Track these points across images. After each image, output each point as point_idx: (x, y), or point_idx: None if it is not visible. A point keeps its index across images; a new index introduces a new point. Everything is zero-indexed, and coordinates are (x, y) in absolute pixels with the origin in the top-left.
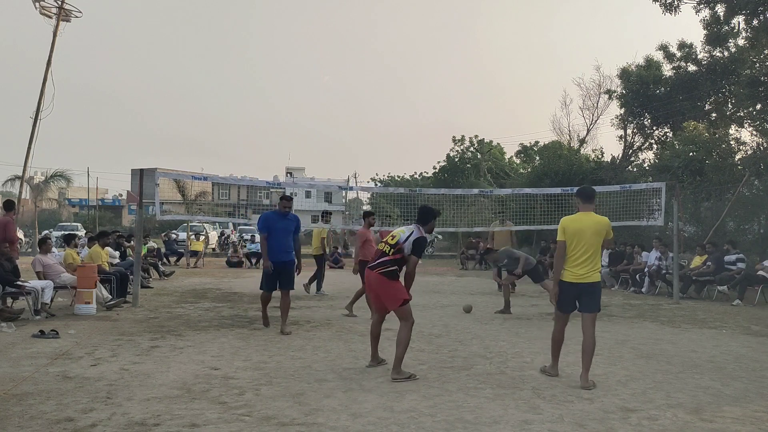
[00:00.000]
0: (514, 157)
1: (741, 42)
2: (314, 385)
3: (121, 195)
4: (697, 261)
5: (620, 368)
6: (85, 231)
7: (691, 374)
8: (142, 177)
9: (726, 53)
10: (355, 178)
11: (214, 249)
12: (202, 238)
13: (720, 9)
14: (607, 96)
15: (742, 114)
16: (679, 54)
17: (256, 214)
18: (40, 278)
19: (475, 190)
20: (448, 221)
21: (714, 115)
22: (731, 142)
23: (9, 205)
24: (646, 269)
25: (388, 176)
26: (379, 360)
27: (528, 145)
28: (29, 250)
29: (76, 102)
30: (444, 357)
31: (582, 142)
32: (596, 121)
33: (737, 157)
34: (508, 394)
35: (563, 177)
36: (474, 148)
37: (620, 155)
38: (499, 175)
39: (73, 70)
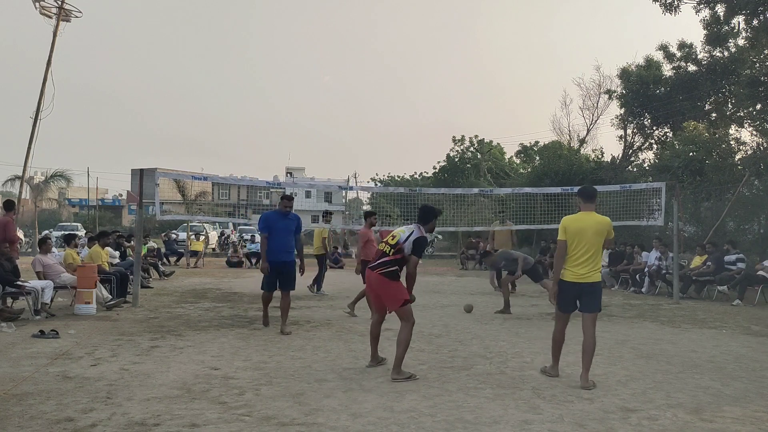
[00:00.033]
0: (514, 157)
1: (741, 42)
2: (314, 385)
3: (121, 195)
4: (697, 261)
5: (620, 368)
6: (85, 231)
7: (691, 374)
8: (142, 177)
9: (726, 53)
10: (355, 178)
11: (214, 249)
12: (202, 238)
13: (720, 9)
14: (607, 96)
15: (742, 114)
16: (679, 54)
17: (256, 214)
18: (40, 278)
19: (475, 190)
20: (448, 221)
21: (714, 115)
22: (731, 142)
23: (9, 205)
24: (646, 269)
25: (388, 176)
26: (379, 360)
27: (528, 145)
28: (29, 250)
29: (76, 102)
30: (444, 357)
31: (582, 142)
32: (596, 121)
33: (737, 157)
34: (508, 394)
35: (563, 177)
36: (474, 148)
37: (620, 155)
38: (499, 175)
39: (73, 70)
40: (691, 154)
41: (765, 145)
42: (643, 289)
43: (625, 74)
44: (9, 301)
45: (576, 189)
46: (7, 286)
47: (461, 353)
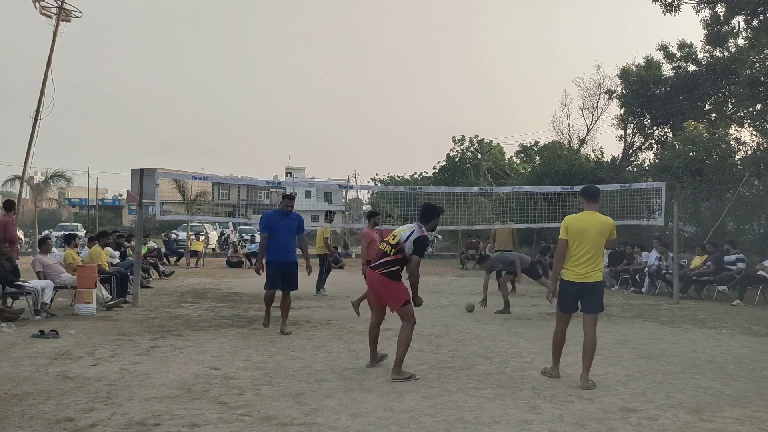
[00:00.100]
0: (514, 157)
1: (741, 42)
2: (314, 385)
3: (121, 195)
4: (697, 261)
5: (620, 368)
6: (85, 231)
7: (691, 374)
8: (142, 177)
9: (726, 53)
10: (355, 178)
11: (214, 249)
12: (202, 238)
13: (720, 9)
14: (607, 96)
15: (742, 114)
16: (679, 54)
17: (256, 214)
18: (40, 278)
19: (475, 188)
20: (448, 220)
21: (714, 115)
22: (731, 142)
23: (9, 205)
24: (646, 269)
25: (388, 176)
26: (380, 358)
27: (528, 145)
28: (29, 250)
29: (76, 102)
30: (444, 357)
31: (582, 142)
32: (596, 121)
33: (737, 157)
34: (508, 394)
35: (563, 177)
36: (474, 148)
37: (620, 155)
38: (499, 175)
39: (73, 70)
40: (691, 154)
41: (765, 145)
42: (643, 289)
43: (625, 74)
44: (9, 301)
45: (576, 188)
46: (7, 286)
47: (461, 353)
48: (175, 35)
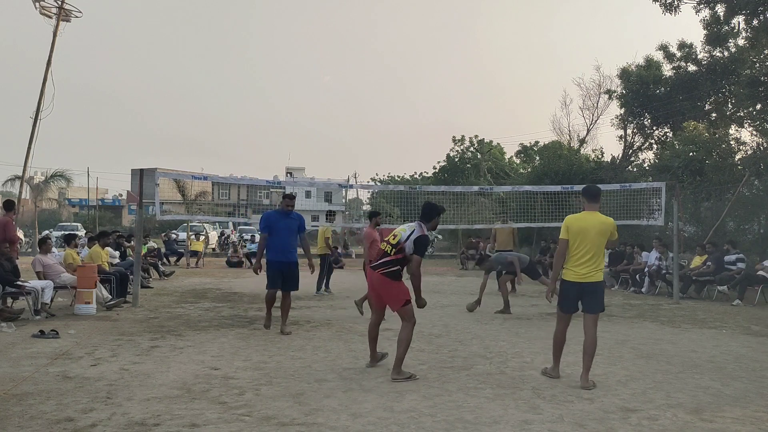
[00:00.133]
0: (514, 157)
1: (741, 42)
2: (314, 385)
3: (121, 195)
4: (697, 261)
5: (620, 368)
6: (85, 231)
7: (691, 374)
8: (142, 177)
9: (726, 53)
10: (355, 178)
11: (214, 249)
12: (202, 238)
13: (720, 9)
14: (607, 96)
15: (742, 114)
16: (679, 54)
17: (256, 214)
18: (40, 278)
19: (475, 188)
20: (449, 219)
21: (714, 115)
22: (731, 142)
23: (9, 205)
24: (646, 269)
25: (388, 176)
26: (380, 357)
27: (528, 145)
28: (29, 250)
29: (76, 102)
30: (444, 357)
31: (582, 142)
32: (596, 121)
33: (737, 157)
34: (508, 394)
35: (563, 177)
36: (474, 148)
37: (620, 155)
38: (499, 175)
39: (73, 70)
40: (691, 154)
41: (765, 145)
42: (643, 289)
43: (625, 74)
44: (9, 301)
45: (576, 187)
46: (7, 286)
47: (461, 353)
48: (175, 35)
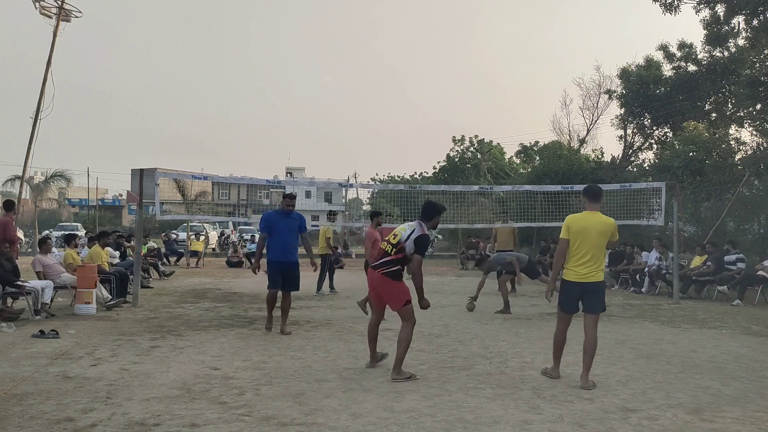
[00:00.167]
0: (514, 157)
1: (741, 42)
2: (314, 385)
3: (121, 195)
4: (697, 261)
5: (620, 368)
6: (85, 231)
7: (691, 374)
8: (142, 177)
9: (726, 53)
10: (356, 178)
11: (214, 249)
12: (202, 238)
13: (720, 9)
14: (607, 96)
15: (742, 114)
16: (679, 54)
17: (256, 214)
18: (40, 278)
19: (475, 187)
20: (449, 219)
21: (714, 115)
22: (731, 142)
23: (9, 205)
24: (646, 269)
25: (388, 176)
26: (380, 357)
27: (528, 145)
28: (29, 250)
29: (76, 102)
30: (444, 357)
31: (582, 142)
32: (596, 121)
33: (737, 157)
34: (508, 394)
35: (563, 177)
36: (474, 148)
37: (620, 155)
38: (499, 175)
39: (73, 70)
40: (691, 154)
41: (765, 145)
42: (643, 289)
43: (625, 74)
44: (9, 301)
45: (576, 187)
46: (7, 286)
47: (461, 353)
48: (175, 35)
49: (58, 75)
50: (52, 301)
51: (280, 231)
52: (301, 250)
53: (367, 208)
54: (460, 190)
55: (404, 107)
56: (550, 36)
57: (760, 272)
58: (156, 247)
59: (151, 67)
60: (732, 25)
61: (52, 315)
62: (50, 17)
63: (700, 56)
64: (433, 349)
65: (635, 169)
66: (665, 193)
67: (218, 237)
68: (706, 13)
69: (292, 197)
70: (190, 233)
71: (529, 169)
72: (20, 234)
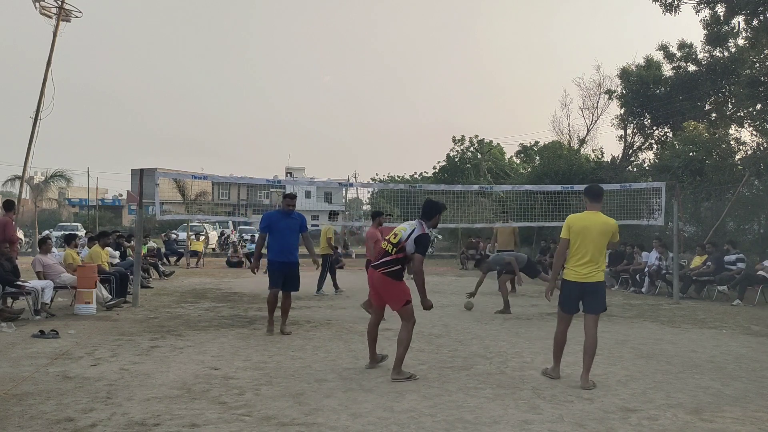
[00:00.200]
0: (514, 157)
1: (741, 42)
2: (314, 385)
3: (121, 195)
4: (697, 261)
5: (620, 368)
6: (85, 231)
7: (691, 374)
8: (142, 177)
9: (726, 53)
10: (356, 178)
11: (214, 249)
12: (202, 238)
13: (720, 9)
14: (607, 96)
15: (742, 114)
16: (679, 54)
17: (256, 214)
18: (40, 278)
19: (475, 187)
20: (449, 219)
21: (714, 115)
22: (731, 142)
23: (9, 205)
24: (646, 269)
25: (388, 176)
26: (379, 358)
27: (528, 145)
28: (29, 250)
29: (76, 102)
30: (444, 357)
31: (582, 142)
32: (596, 121)
33: (737, 157)
34: (508, 394)
35: (563, 177)
36: (474, 148)
37: (620, 155)
38: (499, 175)
39: (73, 70)
40: (691, 154)
41: (765, 145)
42: (643, 289)
43: (625, 74)
44: (9, 301)
45: (576, 187)
46: (7, 286)
47: (461, 353)
48: (175, 35)
49: (58, 75)
50: (52, 301)
51: (280, 231)
52: (302, 250)
53: (367, 208)
54: (460, 190)
55: (404, 107)
56: (550, 36)
57: (760, 272)
58: (156, 247)
59: (151, 67)
60: (732, 25)
61: (52, 315)
62: (50, 17)
63: (700, 56)
64: (433, 349)
65: (635, 169)
66: (665, 193)
67: (218, 237)
68: (706, 13)
69: (292, 197)
70: (190, 233)
71: (529, 169)
72: (20, 234)
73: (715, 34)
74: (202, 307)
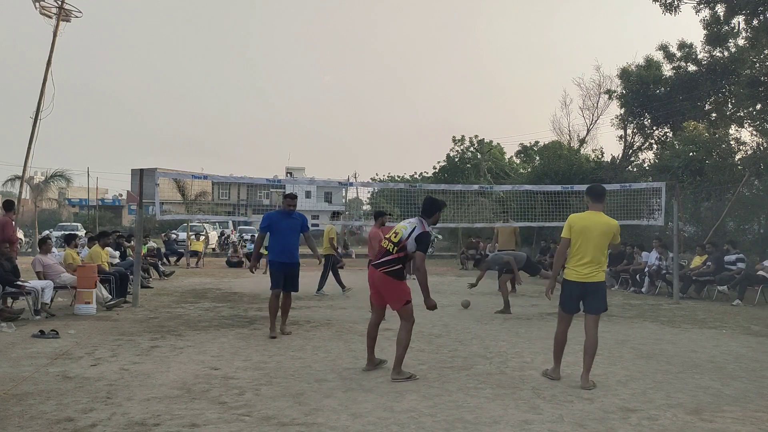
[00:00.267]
0: (514, 157)
1: (741, 42)
2: (314, 385)
3: (121, 195)
4: (697, 261)
5: (620, 368)
6: (85, 231)
7: (691, 374)
8: (142, 177)
9: (726, 53)
10: (356, 178)
11: (214, 249)
12: (202, 238)
13: (720, 9)
14: (607, 96)
15: (742, 114)
16: (679, 54)
17: (256, 213)
18: (40, 278)
19: (475, 186)
20: (449, 218)
21: (714, 115)
22: (731, 142)
23: (9, 205)
24: (646, 269)
25: (388, 176)
26: (377, 362)
27: (528, 145)
28: (29, 250)
29: (76, 102)
30: (444, 357)
31: (582, 142)
32: (596, 121)
33: (737, 157)
34: (508, 394)
35: (563, 177)
36: (474, 148)
37: (620, 155)
38: (499, 175)
39: (73, 70)
40: (691, 154)
41: (765, 145)
42: (643, 289)
43: (625, 74)
44: (9, 301)
45: (576, 187)
46: (7, 286)
47: (461, 353)
48: (175, 35)
49: (58, 75)
50: (52, 301)
51: (281, 231)
52: (303, 251)
53: (367, 208)
54: (460, 190)
55: (404, 107)
56: (550, 36)
57: (760, 272)
58: (156, 247)
59: (151, 67)
60: (732, 25)
61: (52, 315)
62: (50, 17)
63: (700, 56)
64: (433, 349)
65: (635, 169)
66: (665, 193)
67: (218, 237)
68: (706, 13)
69: (293, 197)
70: (190, 233)
71: (529, 169)
72: (20, 234)
73: (715, 34)
74: (202, 307)
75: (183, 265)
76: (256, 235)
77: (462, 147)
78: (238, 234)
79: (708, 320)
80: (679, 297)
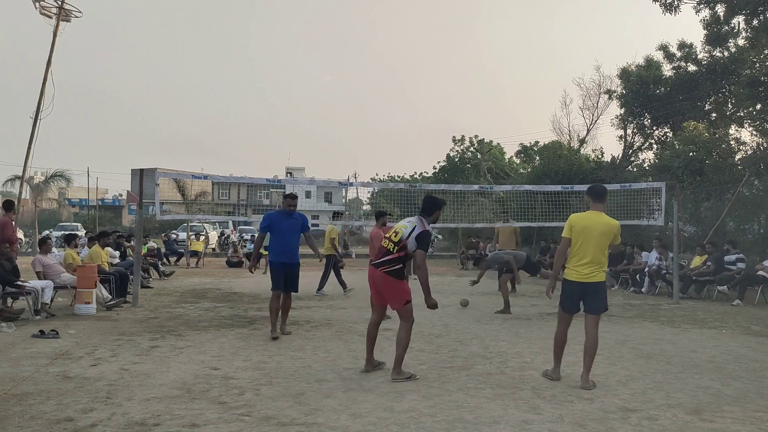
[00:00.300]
0: (514, 157)
1: (741, 42)
2: (314, 385)
3: (121, 195)
4: (697, 261)
5: (620, 368)
6: (85, 231)
7: (691, 374)
8: (142, 177)
9: (726, 53)
10: (356, 178)
11: (214, 249)
12: (202, 238)
13: (720, 9)
14: (607, 96)
15: (742, 114)
16: (679, 54)
17: (256, 213)
18: (40, 278)
19: (475, 186)
20: (449, 218)
21: (714, 115)
22: (731, 142)
23: (9, 205)
24: (646, 269)
25: (388, 176)
26: (376, 364)
27: (528, 145)
28: (29, 250)
29: (76, 102)
30: (444, 357)
31: (582, 142)
32: (596, 121)
33: (737, 157)
34: (508, 394)
35: (563, 177)
36: (474, 148)
37: (620, 155)
38: (499, 175)
39: (73, 70)
40: (691, 154)
41: (765, 145)
42: (643, 289)
43: (625, 74)
44: (9, 301)
45: (576, 187)
46: (7, 286)
47: (461, 353)
48: (175, 35)
49: (58, 75)
50: (52, 301)
51: (282, 231)
52: (304, 250)
53: (367, 208)
54: (460, 190)
55: (404, 107)
56: (550, 36)
57: (760, 272)
58: (156, 247)
59: (151, 67)
60: (732, 25)
61: (52, 315)
62: (50, 17)
63: (700, 56)
64: (433, 349)
65: (635, 169)
66: (665, 193)
67: (218, 237)
68: (706, 13)
69: (293, 197)
70: (190, 233)
71: (529, 169)
72: (20, 234)
73: (715, 34)
74: (202, 307)
75: (183, 265)
76: (256, 235)
77: (462, 147)
78: (238, 234)
79: (708, 320)
80: (679, 297)
